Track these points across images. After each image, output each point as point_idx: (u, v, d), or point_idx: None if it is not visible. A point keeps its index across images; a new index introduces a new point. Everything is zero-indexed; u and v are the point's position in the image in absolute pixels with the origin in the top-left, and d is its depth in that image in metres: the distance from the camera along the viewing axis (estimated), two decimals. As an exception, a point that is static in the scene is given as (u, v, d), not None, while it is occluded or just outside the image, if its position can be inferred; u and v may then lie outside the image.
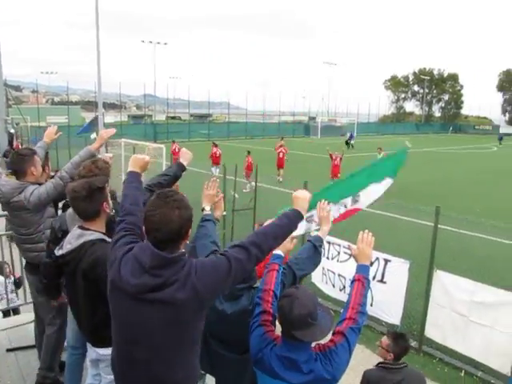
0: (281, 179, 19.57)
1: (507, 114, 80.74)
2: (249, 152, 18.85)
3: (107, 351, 2.76)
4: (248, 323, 2.70)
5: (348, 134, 44.55)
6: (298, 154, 32.23)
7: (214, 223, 3.24)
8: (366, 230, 2.93)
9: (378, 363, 3.84)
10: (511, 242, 9.35)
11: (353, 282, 2.71)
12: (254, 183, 15.77)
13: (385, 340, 3.89)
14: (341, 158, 18.67)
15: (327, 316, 2.44)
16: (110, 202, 3.10)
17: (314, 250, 3.09)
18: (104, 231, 3.01)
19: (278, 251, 2.94)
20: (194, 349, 2.41)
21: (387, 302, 6.54)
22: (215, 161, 19.85)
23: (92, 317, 2.95)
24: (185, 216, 2.19)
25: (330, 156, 18.83)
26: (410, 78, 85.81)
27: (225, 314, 2.88)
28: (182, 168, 3.54)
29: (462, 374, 5.88)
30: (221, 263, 2.26)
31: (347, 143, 39.26)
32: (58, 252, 2.99)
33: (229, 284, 2.30)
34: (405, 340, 3.89)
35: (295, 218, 2.56)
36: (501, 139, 47.62)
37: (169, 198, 2.20)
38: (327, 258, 7.30)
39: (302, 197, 2.67)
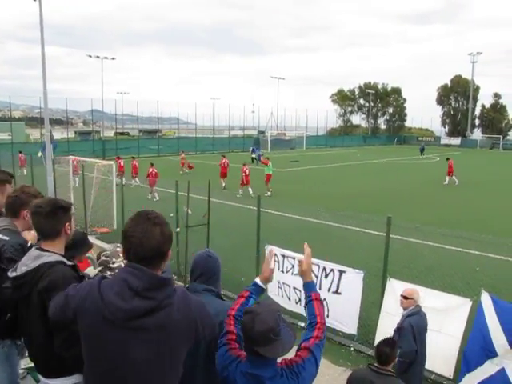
0: (223, 184, 22.73)
1: (447, 126, 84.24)
2: (152, 164, 21.10)
3: (61, 382, 2.66)
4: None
5: (250, 149, 40.91)
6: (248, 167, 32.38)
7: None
8: (306, 243, 2.88)
9: (368, 363, 4.09)
10: (459, 249, 9.71)
11: (310, 301, 2.71)
12: (155, 193, 18.62)
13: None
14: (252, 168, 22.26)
15: (290, 331, 2.42)
16: (73, 225, 3.02)
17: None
18: (63, 253, 2.89)
19: (257, 280, 2.83)
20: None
21: (343, 313, 6.64)
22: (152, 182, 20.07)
23: (46, 344, 2.74)
24: (166, 233, 2.14)
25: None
26: (356, 92, 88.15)
27: None
28: None
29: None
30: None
31: (253, 159, 36.11)
32: (12, 274, 2.84)
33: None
34: (384, 345, 4.04)
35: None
36: (422, 150, 47.66)
37: (150, 214, 2.15)
38: (282, 271, 7.35)
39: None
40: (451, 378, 5.65)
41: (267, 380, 2.34)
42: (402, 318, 4.93)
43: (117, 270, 3.54)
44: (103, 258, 3.60)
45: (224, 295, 3.12)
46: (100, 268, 3.57)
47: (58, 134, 52.45)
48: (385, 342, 4.12)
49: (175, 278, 9.47)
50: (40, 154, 24.36)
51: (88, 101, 54.42)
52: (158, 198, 18.52)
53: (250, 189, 20.31)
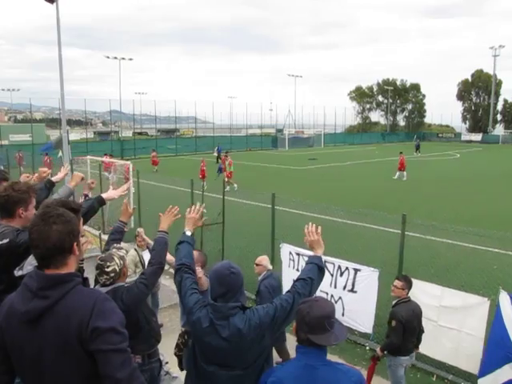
0: (227, 180, 23.43)
1: (467, 122, 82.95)
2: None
3: None
4: (248, 345, 2.67)
5: (215, 148, 38.90)
6: (266, 166, 32.41)
7: (190, 244, 3.22)
8: (310, 223, 3.13)
9: (398, 301, 5.19)
10: (476, 247, 9.54)
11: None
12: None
13: (398, 283, 5.23)
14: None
15: (343, 327, 2.51)
16: (82, 228, 3.00)
17: (318, 272, 2.98)
18: None
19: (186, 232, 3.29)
20: None
21: (359, 311, 6.57)
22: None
23: None
24: (64, 230, 2.14)
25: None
26: (375, 89, 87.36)
27: (221, 337, 2.67)
28: (100, 202, 3.73)
29: (434, 379, 5.95)
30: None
31: (217, 158, 33.80)
32: (18, 273, 2.87)
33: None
34: (409, 277, 5.35)
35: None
36: (418, 147, 45.69)
37: (46, 214, 2.16)
38: (297, 269, 7.30)
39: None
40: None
41: (320, 367, 2.40)
42: (259, 283, 5.87)
43: (112, 274, 3.55)
44: (98, 262, 3.58)
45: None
46: (97, 272, 3.56)
47: (78, 134, 53.22)
48: (407, 276, 5.38)
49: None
50: (60, 154, 24.80)
51: (107, 101, 55.03)
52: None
53: (204, 183, 21.41)
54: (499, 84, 77.59)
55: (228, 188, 21.48)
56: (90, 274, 3.63)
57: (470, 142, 66.90)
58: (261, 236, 9.57)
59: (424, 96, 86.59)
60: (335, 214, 9.79)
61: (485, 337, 5.40)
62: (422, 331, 5.31)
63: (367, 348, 6.68)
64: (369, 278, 6.49)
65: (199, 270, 4.38)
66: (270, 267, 6.03)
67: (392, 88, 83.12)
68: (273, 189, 9.09)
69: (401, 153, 26.83)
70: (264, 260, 6.00)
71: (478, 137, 69.43)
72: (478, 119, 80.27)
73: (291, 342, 6.68)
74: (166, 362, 5.50)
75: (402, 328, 4.96)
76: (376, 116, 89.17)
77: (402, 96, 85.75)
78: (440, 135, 74.90)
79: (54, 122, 68.01)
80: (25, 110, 68.55)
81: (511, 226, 11.95)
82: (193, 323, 2.79)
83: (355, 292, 6.63)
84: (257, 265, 6.00)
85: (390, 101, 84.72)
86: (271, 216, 8.03)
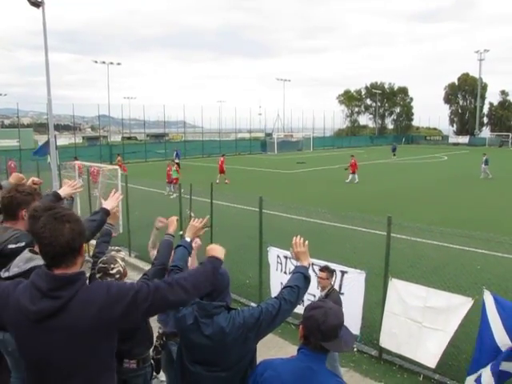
0: (217, 181, 24.30)
1: (455, 125, 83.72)
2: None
3: None
4: (230, 344, 2.71)
5: (174, 153, 35.45)
6: (255, 170, 32.47)
7: (186, 248, 3.30)
8: (298, 236, 3.20)
9: (327, 292, 5.72)
10: (465, 248, 9.63)
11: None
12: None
13: (323, 274, 5.73)
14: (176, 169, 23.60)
15: (349, 331, 2.56)
16: None
17: (304, 281, 3.02)
18: None
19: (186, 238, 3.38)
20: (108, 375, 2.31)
21: (346, 313, 6.45)
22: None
23: None
24: (76, 229, 2.17)
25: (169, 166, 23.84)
26: (363, 93, 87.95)
27: (204, 335, 2.75)
28: (106, 213, 3.70)
29: (421, 378, 5.99)
30: (129, 288, 2.25)
31: (178, 164, 30.12)
32: (4, 274, 2.89)
33: (140, 307, 2.22)
34: (330, 267, 5.91)
35: (214, 263, 2.70)
36: (394, 150, 46.21)
37: (58, 213, 2.18)
38: (284, 272, 7.34)
39: (216, 248, 2.85)
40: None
41: (320, 372, 2.43)
42: None
43: (117, 276, 3.58)
44: (101, 265, 3.59)
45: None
46: (100, 274, 3.57)
47: (66, 139, 52.90)
48: (328, 266, 5.94)
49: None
50: (49, 160, 24.74)
51: (95, 106, 54.85)
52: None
53: (167, 188, 21.99)
54: (485, 87, 78.47)
55: (174, 195, 20.38)
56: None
57: (458, 144, 67.61)
58: (249, 239, 9.59)
59: (412, 99, 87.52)
60: (322, 216, 9.85)
61: (454, 333, 5.51)
62: None
63: (355, 349, 6.71)
64: (356, 280, 6.54)
65: None
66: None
67: (380, 91, 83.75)
68: (261, 192, 9.12)
69: (352, 156, 26.95)
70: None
71: (465, 139, 70.17)
72: (464, 122, 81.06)
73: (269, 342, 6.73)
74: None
75: None
76: (364, 119, 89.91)
77: (390, 99, 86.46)
78: (428, 138, 75.61)
79: (42, 127, 67.56)
80: (12, 115, 67.99)
81: (496, 228, 12.09)
82: (178, 320, 2.87)
83: (342, 294, 6.64)
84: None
85: (379, 104, 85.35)
86: (259, 219, 8.06)
